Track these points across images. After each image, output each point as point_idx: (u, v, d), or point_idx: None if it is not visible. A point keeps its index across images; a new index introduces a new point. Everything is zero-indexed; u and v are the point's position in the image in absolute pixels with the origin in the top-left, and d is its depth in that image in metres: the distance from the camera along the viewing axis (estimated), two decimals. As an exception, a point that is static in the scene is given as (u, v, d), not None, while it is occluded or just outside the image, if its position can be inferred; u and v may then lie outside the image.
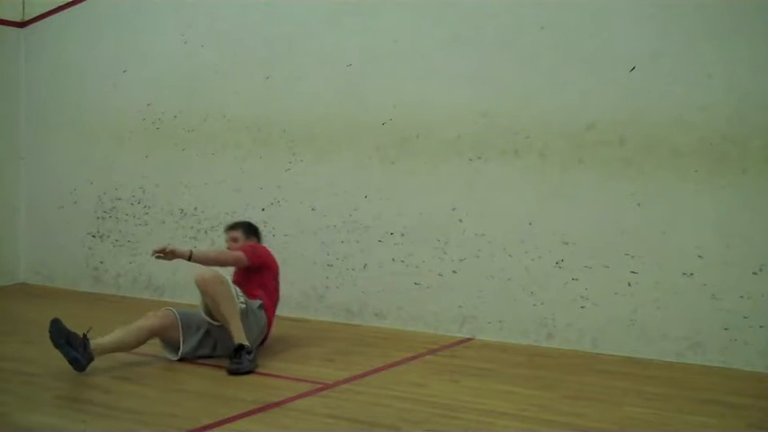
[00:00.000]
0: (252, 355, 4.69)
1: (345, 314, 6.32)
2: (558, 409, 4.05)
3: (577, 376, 4.76)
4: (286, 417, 3.89)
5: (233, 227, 5.48)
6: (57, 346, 4.44)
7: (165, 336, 4.90)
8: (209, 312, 4.86)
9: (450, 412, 3.97)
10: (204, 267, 4.87)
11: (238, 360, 4.63)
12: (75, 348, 4.43)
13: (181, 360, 4.87)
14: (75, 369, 4.44)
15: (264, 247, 5.39)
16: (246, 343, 4.71)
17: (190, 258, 4.84)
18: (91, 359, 4.49)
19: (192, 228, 7.07)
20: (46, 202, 8.01)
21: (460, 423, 3.82)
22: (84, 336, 4.51)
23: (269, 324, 5.19)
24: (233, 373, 4.58)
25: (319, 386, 4.41)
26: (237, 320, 4.75)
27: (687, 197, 5.12)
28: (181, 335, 4.86)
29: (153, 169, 7.32)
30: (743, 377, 4.79)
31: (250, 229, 5.50)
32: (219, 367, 4.76)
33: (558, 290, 5.52)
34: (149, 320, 4.81)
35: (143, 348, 4.97)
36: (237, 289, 4.90)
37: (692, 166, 5.10)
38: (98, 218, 7.66)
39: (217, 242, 6.83)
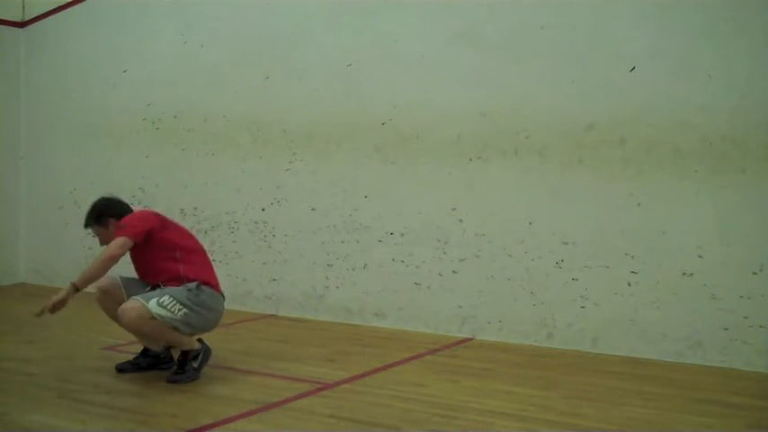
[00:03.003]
0: (198, 361, 4.45)
1: (345, 314, 6.32)
2: (558, 409, 4.05)
3: (577, 376, 4.76)
4: (286, 417, 3.89)
5: (86, 224, 4.80)
6: (147, 367, 4.61)
7: (108, 304, 4.54)
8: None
9: (451, 412, 3.97)
10: (125, 302, 4.37)
11: (181, 371, 4.43)
12: (149, 358, 4.62)
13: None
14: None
15: (134, 214, 4.72)
16: (193, 347, 4.46)
17: (77, 290, 4.32)
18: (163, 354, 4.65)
19: (191, 228, 7.03)
20: (46, 202, 8.01)
21: (460, 423, 3.82)
22: (144, 355, 4.62)
23: (215, 288, 4.61)
24: (172, 382, 4.38)
25: (319, 386, 4.41)
26: (177, 339, 4.42)
27: (687, 197, 5.12)
28: (124, 294, 4.49)
29: (153, 169, 7.32)
30: (743, 377, 4.79)
31: (100, 214, 4.73)
32: (219, 367, 4.76)
33: (558, 290, 5.52)
34: (98, 302, 4.62)
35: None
36: (164, 300, 4.30)
37: (692, 166, 5.10)
38: (98, 218, 7.64)
39: (217, 242, 6.84)
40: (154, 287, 4.52)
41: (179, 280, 4.49)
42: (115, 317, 4.47)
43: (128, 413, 3.93)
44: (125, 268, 4.72)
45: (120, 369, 4.61)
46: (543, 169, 5.56)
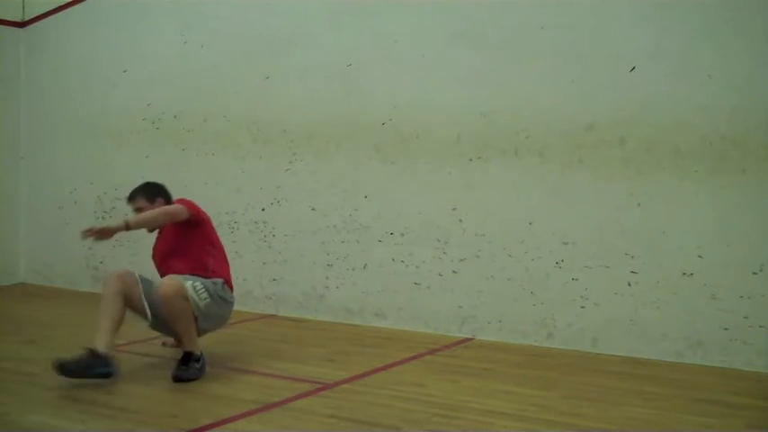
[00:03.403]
0: (200, 363, 4.52)
1: (345, 314, 6.32)
2: (558, 409, 4.05)
3: (577, 376, 4.76)
4: (286, 417, 3.89)
5: (132, 197, 4.86)
6: (81, 376, 4.27)
7: (129, 299, 4.58)
8: (156, 325, 4.67)
9: (450, 412, 3.97)
10: (165, 277, 4.58)
11: (185, 367, 4.46)
12: (94, 366, 4.27)
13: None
14: (110, 378, 4.31)
15: (189, 200, 4.87)
16: (197, 351, 4.51)
17: (128, 228, 4.43)
18: (112, 358, 4.33)
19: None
20: (46, 202, 8.01)
21: (460, 423, 3.82)
22: (91, 351, 4.30)
23: (232, 289, 4.84)
24: (178, 379, 4.41)
25: (319, 386, 4.41)
26: (192, 332, 4.51)
27: (687, 197, 5.12)
28: (143, 298, 4.57)
29: (153, 169, 7.30)
30: (743, 377, 4.79)
31: (152, 191, 4.87)
32: (219, 367, 4.76)
33: (558, 290, 5.52)
34: (112, 285, 4.52)
35: (144, 348, 4.97)
36: (197, 284, 4.51)
37: (692, 166, 5.10)
38: (98, 218, 7.64)
39: (217, 242, 6.84)
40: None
41: (206, 272, 4.68)
42: (120, 307, 4.52)
43: (128, 413, 3.93)
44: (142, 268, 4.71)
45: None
46: (543, 169, 5.56)
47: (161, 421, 3.78)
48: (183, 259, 4.71)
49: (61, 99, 7.88)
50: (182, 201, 4.81)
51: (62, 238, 7.84)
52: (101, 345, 4.35)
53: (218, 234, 4.86)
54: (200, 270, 4.68)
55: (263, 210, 6.71)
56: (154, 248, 4.91)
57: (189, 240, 4.75)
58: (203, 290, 4.52)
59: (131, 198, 4.87)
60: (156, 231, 4.95)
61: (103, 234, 4.34)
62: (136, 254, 7.38)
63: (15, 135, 8.07)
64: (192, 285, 4.48)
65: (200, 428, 3.68)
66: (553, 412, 4.01)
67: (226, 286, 4.73)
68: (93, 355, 4.29)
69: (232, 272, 4.90)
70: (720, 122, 5.02)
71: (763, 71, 4.93)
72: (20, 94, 8.08)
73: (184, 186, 7.10)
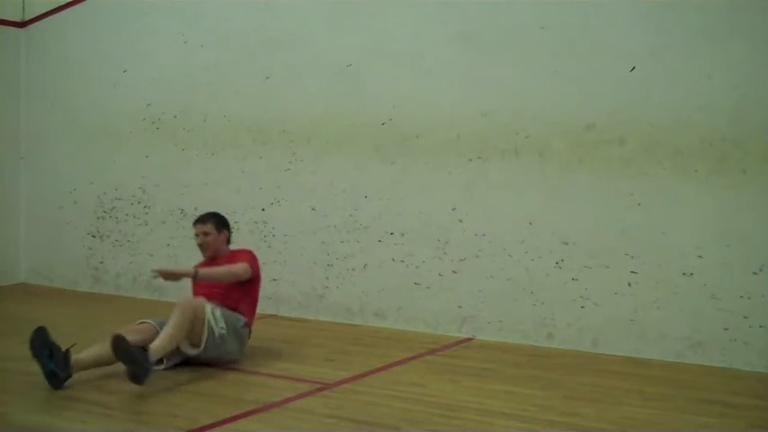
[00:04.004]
0: (148, 365, 4.20)
1: (345, 314, 6.32)
2: (558, 409, 4.05)
3: (577, 376, 4.75)
4: (286, 417, 3.89)
5: (202, 220, 5.13)
6: (36, 356, 4.19)
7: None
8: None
9: (450, 412, 3.97)
10: (189, 295, 4.85)
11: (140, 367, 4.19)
12: (56, 362, 4.19)
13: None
14: (51, 384, 4.17)
15: (255, 255, 5.14)
16: (155, 356, 4.27)
17: (195, 277, 4.75)
18: (69, 375, 4.23)
19: (192, 228, 7.06)
20: (46, 202, 8.01)
21: (460, 423, 3.82)
22: (68, 350, 4.27)
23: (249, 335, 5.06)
24: (135, 379, 4.14)
25: (319, 386, 4.41)
26: (173, 343, 4.43)
27: (687, 197, 5.12)
28: (205, 323, 4.63)
29: (153, 169, 7.32)
30: (743, 377, 4.79)
31: (221, 222, 5.18)
32: (220, 367, 4.76)
33: (558, 290, 5.52)
34: (128, 336, 4.31)
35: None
36: (216, 312, 4.68)
37: (692, 166, 5.10)
38: (98, 218, 7.65)
39: (217, 242, 6.84)
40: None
41: (235, 311, 4.92)
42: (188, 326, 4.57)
43: (128, 413, 3.93)
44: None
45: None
46: (543, 169, 5.56)
47: (161, 421, 3.78)
48: (220, 297, 4.94)
49: (61, 99, 7.89)
50: (248, 255, 5.07)
51: (62, 238, 7.85)
52: (76, 357, 4.32)
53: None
54: (230, 307, 4.92)
55: (263, 210, 6.71)
56: (196, 281, 4.96)
57: (233, 288, 4.98)
58: (222, 319, 4.71)
59: (201, 221, 5.14)
60: (203, 257, 5.16)
61: (172, 276, 4.70)
62: (135, 254, 7.40)
63: (15, 135, 8.08)
64: (211, 310, 4.67)
65: (200, 428, 3.68)
66: (553, 412, 4.01)
67: (246, 329, 4.96)
68: (65, 354, 4.26)
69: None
70: (720, 122, 5.02)
71: (763, 71, 4.93)
72: (20, 94, 8.09)
73: (184, 186, 7.13)
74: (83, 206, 7.76)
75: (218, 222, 5.14)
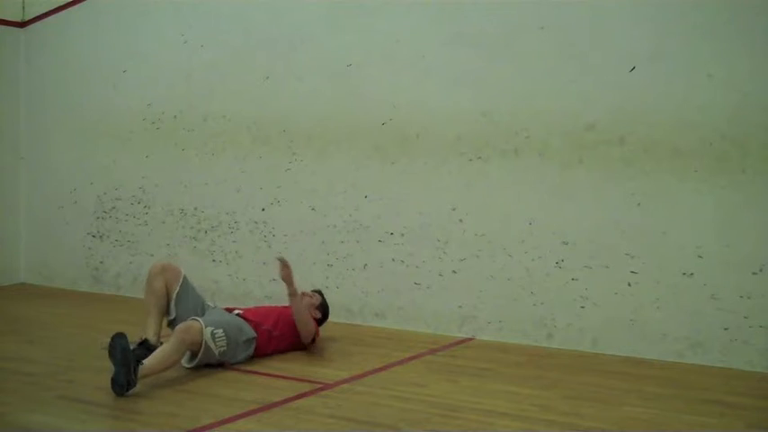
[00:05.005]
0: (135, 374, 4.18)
1: (345, 314, 6.32)
2: (558, 409, 4.05)
3: (577, 376, 4.76)
4: (286, 417, 3.89)
5: (319, 292, 5.66)
6: (115, 362, 4.13)
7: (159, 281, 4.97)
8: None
9: (450, 412, 3.97)
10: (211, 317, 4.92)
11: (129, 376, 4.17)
12: (127, 372, 4.10)
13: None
14: (115, 391, 4.11)
15: (317, 325, 5.38)
16: (145, 375, 4.24)
17: (293, 295, 5.03)
18: (133, 386, 4.15)
19: (191, 228, 7.07)
20: (46, 202, 8.01)
21: (460, 423, 3.82)
22: (138, 361, 4.21)
23: (256, 349, 5.03)
24: (116, 382, 4.13)
25: (319, 386, 4.41)
26: (165, 366, 4.39)
27: (687, 197, 5.12)
28: (203, 344, 4.65)
29: (153, 169, 7.32)
30: (743, 377, 4.79)
31: (322, 307, 5.61)
32: (219, 367, 4.76)
33: (558, 290, 5.52)
34: (188, 335, 4.53)
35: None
36: (218, 332, 4.70)
37: (692, 166, 5.10)
38: (98, 218, 7.65)
39: (216, 242, 6.84)
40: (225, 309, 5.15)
41: (258, 332, 5.04)
42: (156, 288, 4.94)
43: (128, 413, 3.93)
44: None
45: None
46: (543, 169, 5.56)
47: (161, 421, 3.78)
48: (262, 319, 5.13)
49: (61, 99, 7.88)
50: (318, 329, 5.33)
51: (62, 238, 7.85)
52: (144, 365, 4.28)
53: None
54: (256, 327, 5.05)
55: (263, 210, 6.71)
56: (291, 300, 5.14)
57: (281, 329, 5.17)
58: (223, 338, 4.75)
59: (319, 292, 5.67)
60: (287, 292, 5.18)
61: (288, 277, 5.02)
62: (135, 254, 7.40)
63: (15, 135, 8.07)
64: (211, 332, 4.68)
65: (200, 428, 3.68)
66: (553, 412, 4.01)
67: (253, 345, 5.00)
68: (135, 365, 4.17)
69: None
70: (720, 122, 5.02)
71: (763, 71, 4.93)
72: (20, 94, 8.08)
73: (184, 186, 7.13)
74: (83, 206, 7.75)
75: (321, 305, 5.58)
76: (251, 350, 4.98)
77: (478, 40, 5.78)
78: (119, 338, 4.17)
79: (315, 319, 5.35)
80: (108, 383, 4.16)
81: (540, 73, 5.57)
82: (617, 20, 5.34)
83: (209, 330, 4.67)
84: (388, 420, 3.83)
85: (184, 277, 5.05)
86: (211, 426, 3.71)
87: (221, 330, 4.75)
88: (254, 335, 5.00)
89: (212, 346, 4.66)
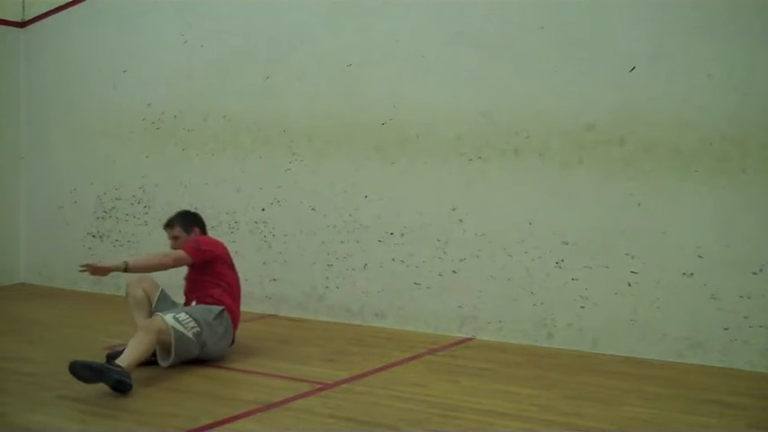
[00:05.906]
0: (118, 378, 4.16)
1: (345, 314, 6.32)
2: (558, 409, 4.05)
3: (577, 376, 4.75)
4: (286, 417, 3.89)
5: (169, 224, 5.17)
6: (87, 377, 4.10)
7: (138, 300, 4.95)
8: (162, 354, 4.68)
9: (450, 412, 3.97)
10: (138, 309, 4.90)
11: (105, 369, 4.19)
12: (108, 370, 4.11)
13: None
14: (121, 392, 4.13)
15: (207, 238, 5.20)
16: (125, 371, 4.20)
17: (126, 270, 4.61)
18: (126, 377, 4.15)
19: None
20: (46, 202, 8.01)
21: (460, 423, 3.82)
22: (108, 357, 4.27)
23: (234, 323, 5.02)
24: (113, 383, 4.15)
25: (319, 386, 4.41)
26: (137, 359, 4.34)
27: (687, 197, 5.12)
28: (172, 333, 4.59)
29: (153, 169, 7.32)
30: (743, 377, 4.79)
31: (188, 221, 5.20)
32: (219, 367, 4.76)
33: (558, 290, 5.52)
34: (152, 324, 4.52)
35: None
36: (180, 315, 4.63)
37: (692, 166, 5.10)
38: (98, 218, 7.66)
39: (217, 242, 6.85)
40: (187, 305, 4.99)
41: (213, 301, 4.94)
42: (137, 296, 4.92)
43: (128, 413, 3.93)
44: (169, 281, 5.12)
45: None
46: (543, 169, 5.56)
47: (161, 421, 3.78)
48: (198, 292, 5.02)
49: (61, 99, 7.89)
50: (191, 242, 5.02)
51: (62, 238, 7.85)
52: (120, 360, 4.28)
53: (218, 233, 4.92)
54: (206, 300, 4.96)
55: (263, 210, 6.71)
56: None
57: (202, 277, 5.02)
58: (189, 320, 4.67)
59: (169, 225, 5.18)
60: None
61: (100, 272, 4.58)
62: (135, 254, 7.39)
63: (15, 135, 8.08)
64: (173, 317, 4.62)
65: (200, 428, 3.68)
66: (553, 412, 4.01)
67: (225, 313, 4.91)
68: (108, 365, 4.19)
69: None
70: (720, 122, 5.02)
71: (763, 71, 4.93)
72: (20, 94, 8.09)
73: (184, 187, 7.14)
74: (83, 206, 7.76)
75: (184, 223, 5.17)
76: (228, 321, 4.90)
77: (478, 40, 5.78)
78: (74, 364, 4.11)
79: (191, 240, 5.04)
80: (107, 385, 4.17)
81: (540, 73, 5.57)
82: (617, 20, 5.34)
83: (170, 316, 4.61)
84: (388, 420, 3.83)
85: (162, 289, 5.06)
86: (211, 426, 3.71)
87: (183, 313, 4.69)
88: (222, 307, 4.90)
89: (181, 329, 4.59)
